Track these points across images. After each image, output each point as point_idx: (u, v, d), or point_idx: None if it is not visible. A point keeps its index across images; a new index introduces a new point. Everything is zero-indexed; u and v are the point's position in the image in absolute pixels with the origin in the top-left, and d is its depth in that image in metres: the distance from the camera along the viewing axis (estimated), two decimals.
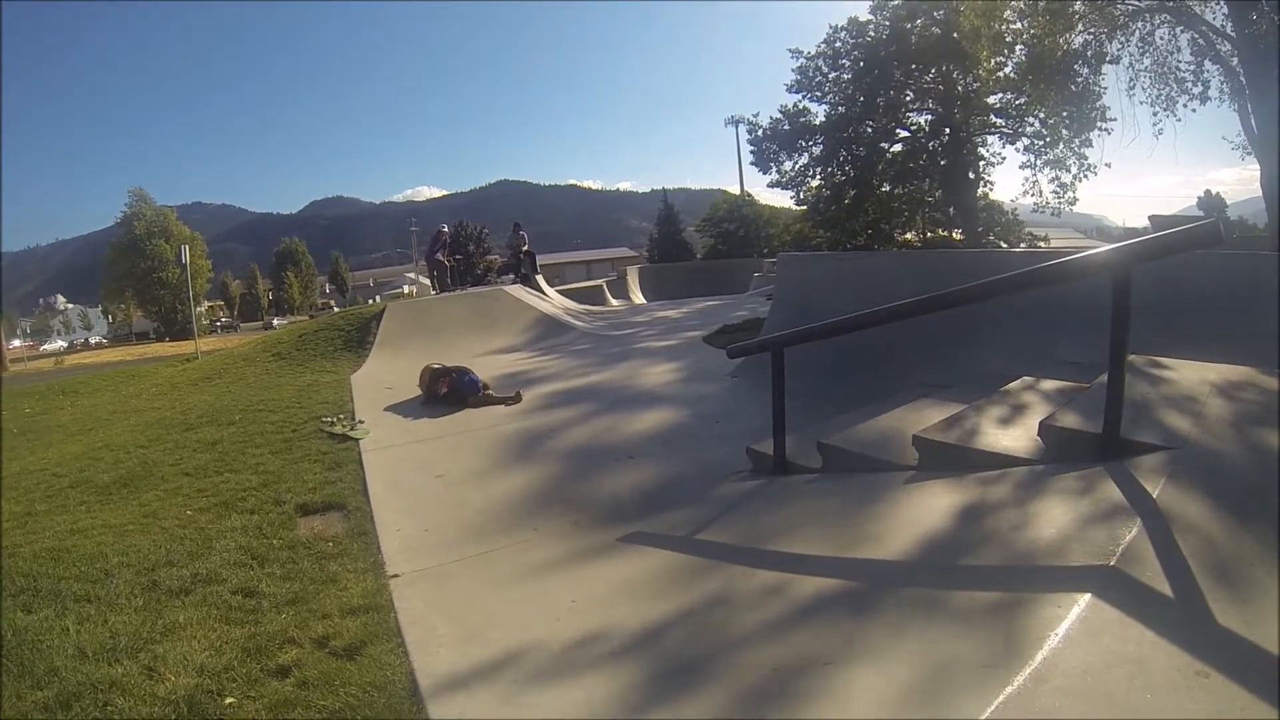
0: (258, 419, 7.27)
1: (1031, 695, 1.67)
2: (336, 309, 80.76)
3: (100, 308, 66.23)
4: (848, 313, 6.61)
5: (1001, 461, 3.11)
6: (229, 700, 2.50)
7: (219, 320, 67.73)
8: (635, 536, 3.75)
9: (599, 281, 26.45)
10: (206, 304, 65.91)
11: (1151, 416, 3.05)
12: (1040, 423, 3.13)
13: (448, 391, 7.43)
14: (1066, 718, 1.61)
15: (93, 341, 66.35)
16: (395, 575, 3.55)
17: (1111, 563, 2.06)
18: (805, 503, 3.64)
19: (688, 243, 51.73)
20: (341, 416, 7.04)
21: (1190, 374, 3.66)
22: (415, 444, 6.04)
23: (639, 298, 25.56)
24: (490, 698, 2.34)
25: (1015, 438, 3.30)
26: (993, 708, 1.64)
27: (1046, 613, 1.92)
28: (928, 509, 2.90)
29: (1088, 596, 1.94)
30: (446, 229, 18.29)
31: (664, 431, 5.88)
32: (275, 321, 67.08)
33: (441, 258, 17.57)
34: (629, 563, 3.36)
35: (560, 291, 21.75)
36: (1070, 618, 1.87)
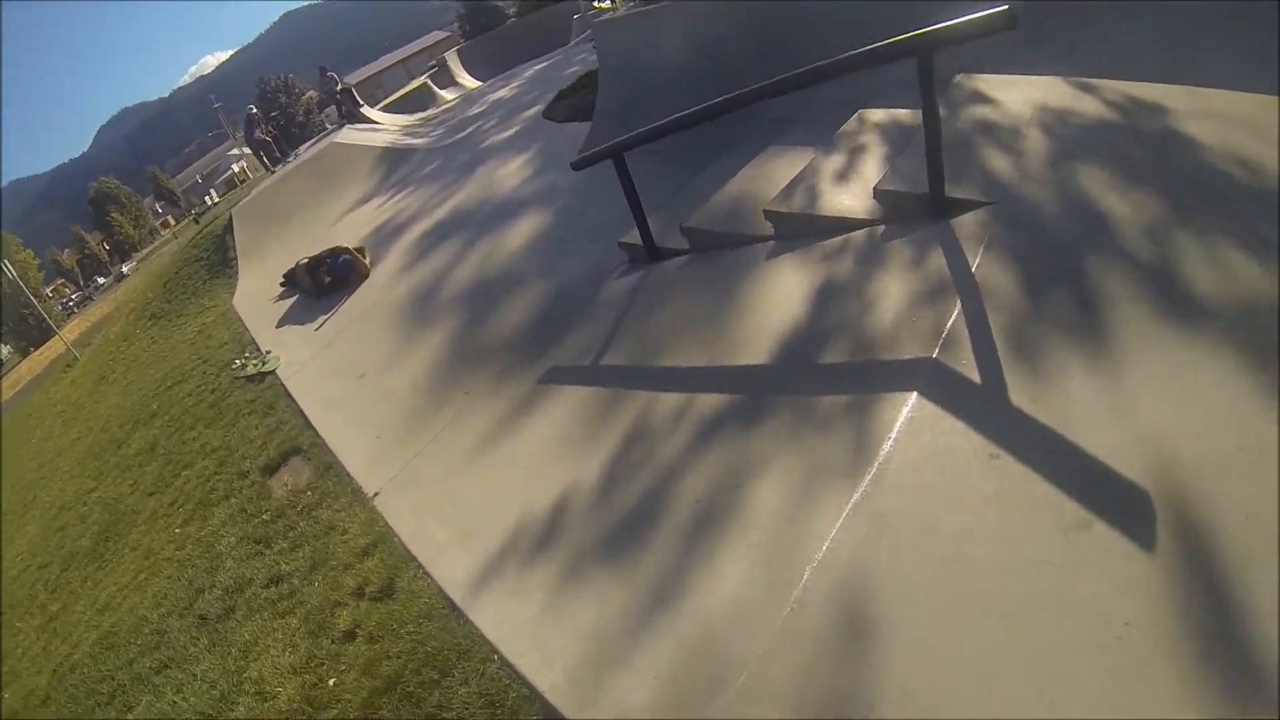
0: (173, 398, 7.26)
1: (872, 499, 2.13)
2: (175, 221, 74.03)
3: None
4: (675, 73, 6.34)
5: (845, 225, 3.40)
6: (332, 681, 2.87)
7: (70, 299, 61.64)
8: (551, 375, 4.01)
9: (422, 79, 24.19)
10: (48, 290, 59.41)
11: (975, 162, 3.23)
12: (874, 188, 3.37)
13: (331, 280, 7.43)
14: (897, 514, 2.05)
15: None
16: (376, 494, 3.88)
17: (934, 355, 2.42)
18: (682, 299, 3.88)
19: (498, 6, 45.81)
20: (247, 355, 7.03)
21: (1015, 96, 3.69)
22: (324, 350, 6.15)
23: (468, 80, 23.56)
24: (511, 587, 2.73)
25: (855, 196, 3.55)
26: (846, 512, 2.12)
27: (884, 416, 2.34)
28: (785, 296, 3.25)
29: (914, 396, 2.34)
30: (254, 108, 17.70)
31: (537, 243, 5.97)
32: (125, 269, 61.63)
33: (260, 134, 16.97)
34: (555, 411, 3.64)
35: (387, 108, 20.11)
36: (900, 419, 2.29)
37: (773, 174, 4.26)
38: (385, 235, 8.26)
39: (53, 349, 22.65)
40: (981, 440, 2.11)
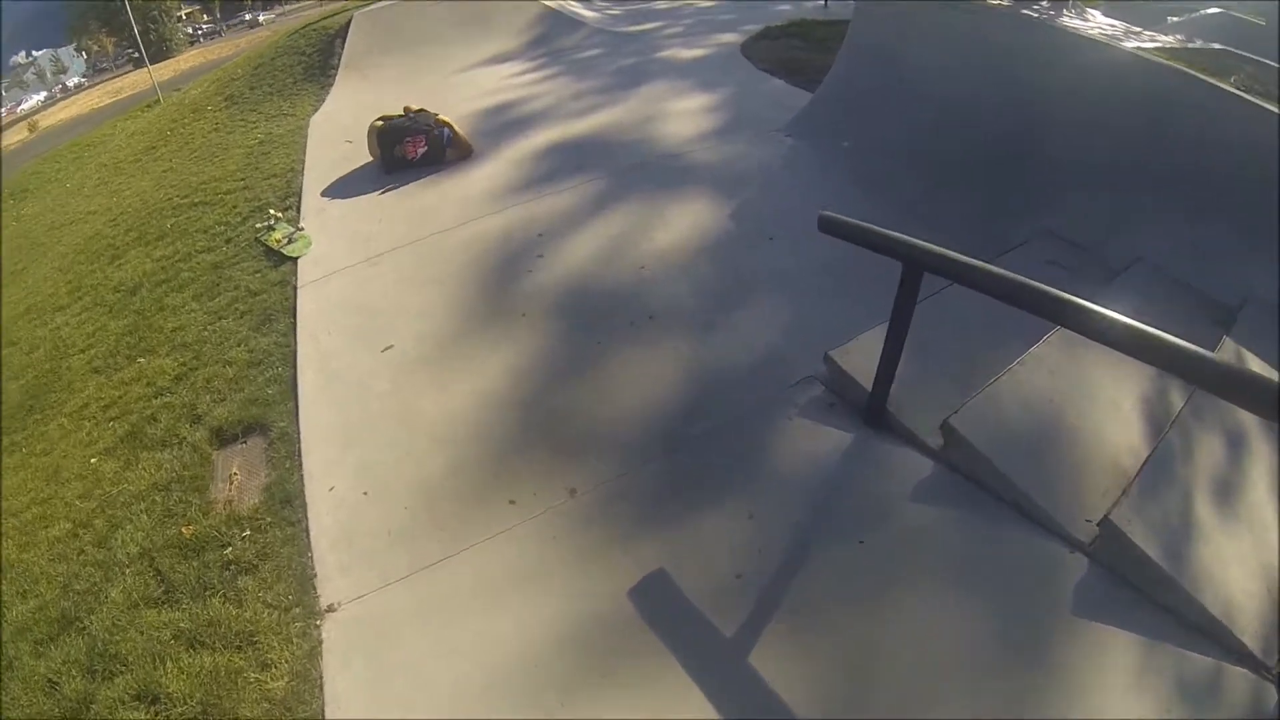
0: (189, 225, 6.07)
1: None
2: None
3: (73, 45, 59.32)
4: (951, 78, 4.79)
5: (1221, 636, 1.99)
6: None
7: (200, 27, 60.39)
8: (654, 589, 2.35)
9: None
10: (184, 11, 58.20)
11: None
12: None
13: (427, 150, 5.98)
14: None
15: (72, 84, 60.78)
16: (330, 608, 2.51)
17: None
18: (927, 599, 2.16)
19: None
20: (281, 213, 5.64)
21: None
22: (363, 265, 4.65)
23: None
24: None
25: (1250, 578, 2.09)
26: None
27: None
28: None
29: None
30: None
31: (699, 259, 4.13)
32: (260, 17, 60.02)
33: None
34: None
35: None
36: None
37: (1094, 392, 2.64)
38: (501, 124, 6.60)
39: (160, 74, 21.44)
40: None
